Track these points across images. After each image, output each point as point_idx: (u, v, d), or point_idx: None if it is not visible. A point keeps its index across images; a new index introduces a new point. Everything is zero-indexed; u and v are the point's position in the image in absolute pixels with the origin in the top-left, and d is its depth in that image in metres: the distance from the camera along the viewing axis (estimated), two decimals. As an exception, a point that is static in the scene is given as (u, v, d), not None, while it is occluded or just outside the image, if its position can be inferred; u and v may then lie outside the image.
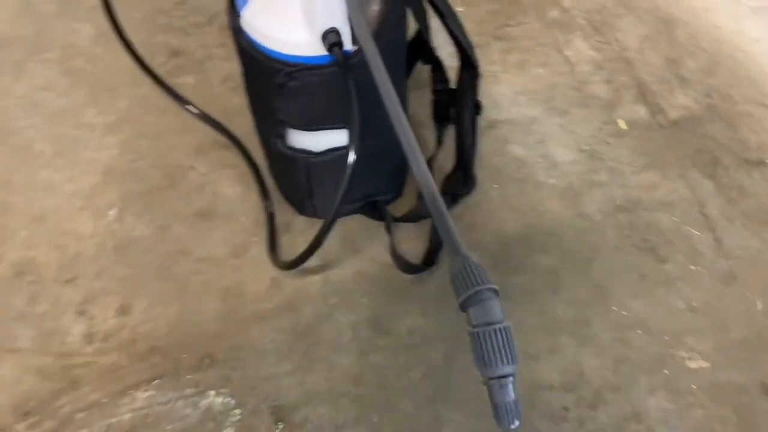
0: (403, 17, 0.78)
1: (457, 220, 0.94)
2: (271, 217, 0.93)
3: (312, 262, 0.87)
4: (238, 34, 0.78)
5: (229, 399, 0.79)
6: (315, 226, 0.93)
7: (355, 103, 0.71)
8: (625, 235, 0.93)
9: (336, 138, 0.83)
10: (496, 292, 0.39)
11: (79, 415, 0.78)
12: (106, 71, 1.13)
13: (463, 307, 0.39)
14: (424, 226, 0.93)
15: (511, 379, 0.36)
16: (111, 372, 0.81)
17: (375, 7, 0.73)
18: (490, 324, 0.37)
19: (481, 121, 1.05)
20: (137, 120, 1.07)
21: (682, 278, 0.89)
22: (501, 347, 0.36)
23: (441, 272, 0.90)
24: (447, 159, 0.98)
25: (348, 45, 0.74)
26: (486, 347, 0.37)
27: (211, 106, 1.04)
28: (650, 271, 0.89)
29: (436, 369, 0.81)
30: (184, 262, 0.91)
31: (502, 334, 0.37)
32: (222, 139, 1.02)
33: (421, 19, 0.87)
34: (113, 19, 0.90)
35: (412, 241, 0.92)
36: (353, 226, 0.94)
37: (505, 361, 0.36)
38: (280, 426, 0.77)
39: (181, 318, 0.85)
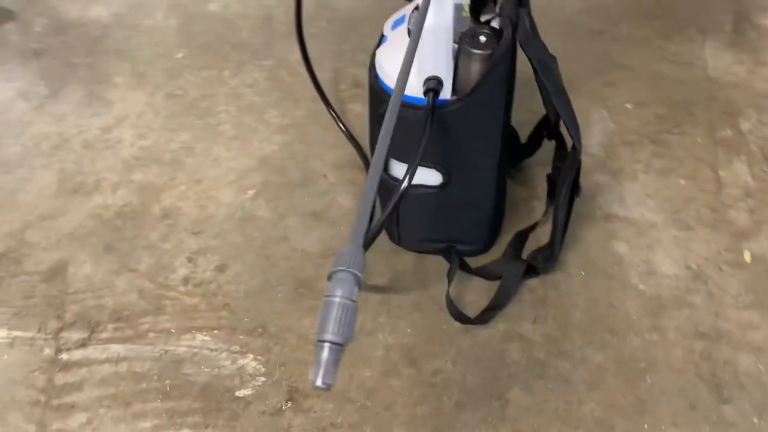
0: (505, 81, 0.84)
1: (530, 291, 0.96)
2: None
3: (380, 280, 0.96)
4: (371, 69, 0.90)
5: (261, 366, 0.90)
6: (397, 252, 1.01)
7: (422, 144, 0.79)
8: (692, 362, 0.86)
9: (426, 176, 0.91)
10: (356, 277, 0.45)
11: (151, 335, 0.94)
12: (298, 85, 1.33)
13: (328, 278, 0.46)
14: (496, 285, 0.96)
15: (330, 345, 0.42)
16: (188, 312, 0.97)
17: (476, 67, 0.81)
18: (332, 296, 0.44)
19: (598, 210, 1.06)
20: (303, 128, 1.24)
21: (738, 426, 0.80)
22: (334, 318, 0.42)
23: (489, 333, 0.92)
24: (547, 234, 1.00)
25: (447, 94, 0.83)
26: (324, 313, 0.43)
27: (362, 132, 1.18)
28: (704, 406, 0.82)
29: (442, 413, 0.84)
30: (282, 247, 1.04)
31: (338, 308, 0.43)
32: (358, 160, 1.15)
33: (544, 94, 0.92)
34: (304, 48, 1.09)
35: (477, 295, 0.96)
36: (433, 263, 1.00)
37: (331, 329, 0.42)
38: (289, 404, 0.86)
39: (258, 289, 0.99)
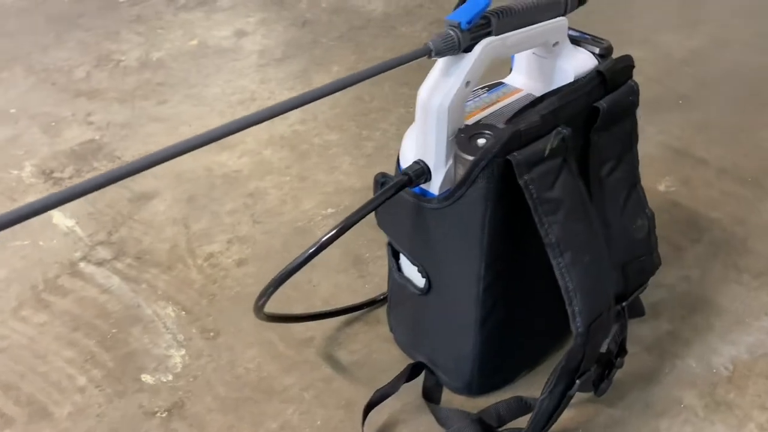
0: (490, 200, 0.63)
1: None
2: (372, 301, 0.91)
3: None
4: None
5: (180, 364, 0.86)
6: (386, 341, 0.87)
7: (353, 219, 0.65)
8: None
9: (413, 274, 0.76)
10: None
11: (144, 286, 0.98)
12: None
13: None
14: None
15: None
16: (184, 283, 0.98)
17: (460, 171, 0.63)
18: None
19: None
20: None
21: None
22: None
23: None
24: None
25: (435, 188, 0.67)
26: None
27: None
28: None
29: None
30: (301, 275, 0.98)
31: None
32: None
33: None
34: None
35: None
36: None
37: None
38: (164, 414, 0.81)
39: (245, 298, 0.94)
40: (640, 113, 0.72)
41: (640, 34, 1.56)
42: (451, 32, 0.60)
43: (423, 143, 0.66)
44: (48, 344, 0.90)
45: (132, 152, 1.24)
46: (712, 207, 1.08)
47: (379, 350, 0.87)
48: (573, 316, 0.63)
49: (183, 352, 0.88)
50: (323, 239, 0.66)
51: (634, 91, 0.69)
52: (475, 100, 0.73)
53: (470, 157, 0.61)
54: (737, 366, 0.84)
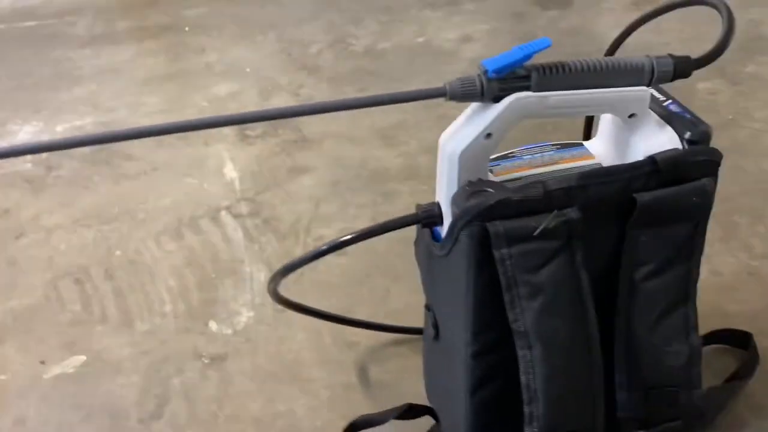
0: (465, 259, 0.57)
1: None
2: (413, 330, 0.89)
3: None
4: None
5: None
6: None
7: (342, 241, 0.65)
8: None
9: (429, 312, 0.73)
10: None
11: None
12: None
13: None
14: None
15: None
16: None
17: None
18: None
19: None
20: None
21: None
22: None
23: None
24: None
25: (444, 233, 0.64)
26: None
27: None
28: None
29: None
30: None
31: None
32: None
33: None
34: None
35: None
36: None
37: None
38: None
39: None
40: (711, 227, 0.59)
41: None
42: (476, 78, 0.56)
43: (438, 186, 0.63)
44: (163, 270, 1.05)
45: (308, 130, 1.35)
46: None
47: (409, 380, 0.85)
48: (529, 418, 0.55)
49: (252, 314, 0.97)
50: (337, 241, 0.67)
51: (704, 192, 0.57)
52: (535, 155, 0.67)
53: (456, 209, 0.57)
54: None
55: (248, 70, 1.58)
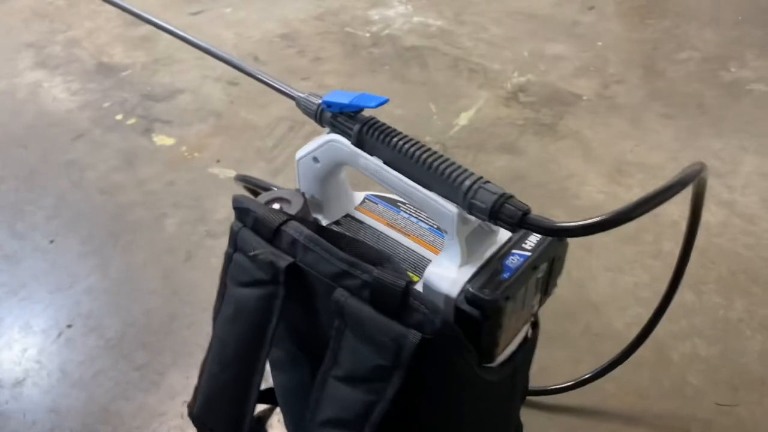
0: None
1: None
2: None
3: None
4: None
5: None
6: None
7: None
8: None
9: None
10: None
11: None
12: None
13: None
14: None
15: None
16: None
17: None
18: None
19: None
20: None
21: None
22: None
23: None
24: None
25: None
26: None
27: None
28: None
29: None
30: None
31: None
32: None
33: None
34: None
35: None
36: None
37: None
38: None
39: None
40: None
41: None
42: (316, 101, 0.57)
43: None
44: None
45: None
46: None
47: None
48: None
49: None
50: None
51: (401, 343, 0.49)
52: (404, 217, 0.64)
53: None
54: None
55: None
